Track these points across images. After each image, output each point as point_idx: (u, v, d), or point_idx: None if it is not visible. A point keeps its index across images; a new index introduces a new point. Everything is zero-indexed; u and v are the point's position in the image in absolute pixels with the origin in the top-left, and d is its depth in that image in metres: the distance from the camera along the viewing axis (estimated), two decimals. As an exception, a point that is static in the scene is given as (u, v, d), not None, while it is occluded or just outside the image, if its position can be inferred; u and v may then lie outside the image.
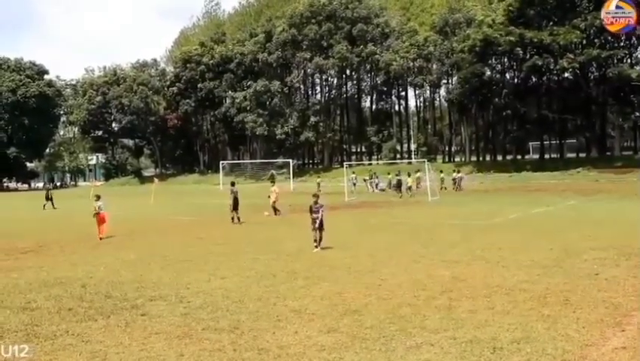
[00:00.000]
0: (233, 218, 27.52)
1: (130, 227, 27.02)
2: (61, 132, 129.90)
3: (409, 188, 45.41)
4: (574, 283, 11.78)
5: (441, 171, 54.49)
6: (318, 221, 17.51)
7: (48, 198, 43.98)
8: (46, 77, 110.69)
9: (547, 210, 29.25)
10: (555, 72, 73.18)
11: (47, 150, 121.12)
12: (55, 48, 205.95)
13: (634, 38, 70.22)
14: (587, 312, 9.60)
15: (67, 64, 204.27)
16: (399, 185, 45.80)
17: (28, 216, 37.98)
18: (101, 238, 21.88)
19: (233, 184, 29.74)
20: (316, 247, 17.40)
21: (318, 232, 17.54)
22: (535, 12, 69.61)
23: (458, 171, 54.90)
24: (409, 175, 47.42)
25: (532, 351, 7.71)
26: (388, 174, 49.19)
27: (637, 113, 75.62)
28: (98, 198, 23.18)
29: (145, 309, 10.77)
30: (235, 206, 27.67)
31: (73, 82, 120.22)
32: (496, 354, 7.68)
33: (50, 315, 10.51)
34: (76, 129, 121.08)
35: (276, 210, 30.42)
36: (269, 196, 31.20)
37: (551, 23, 68.99)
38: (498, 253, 15.78)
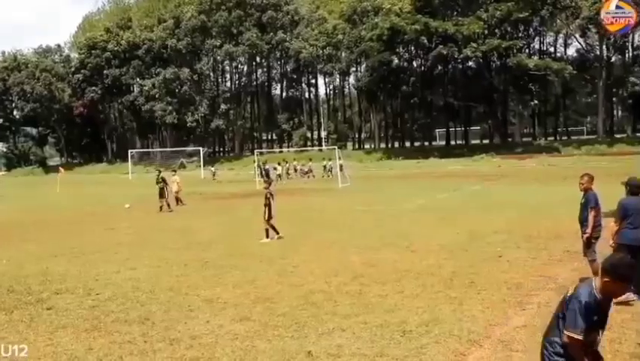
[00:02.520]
0: (161, 207, 27.53)
1: (35, 218, 26.10)
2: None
3: (279, 176, 47.09)
4: (478, 265, 12.22)
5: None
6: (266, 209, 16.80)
7: None
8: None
9: (454, 195, 30.03)
10: (459, 61, 75.37)
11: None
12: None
13: (531, 30, 73.27)
14: (490, 293, 10.00)
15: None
16: (267, 174, 46.70)
17: None
18: None
19: (160, 172, 29.81)
20: (267, 236, 16.76)
21: (264, 221, 16.86)
22: (440, 2, 71.37)
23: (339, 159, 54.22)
24: (279, 164, 49.98)
25: (440, 333, 7.98)
26: (280, 163, 50.28)
27: (535, 101, 78.95)
28: None
29: (51, 303, 10.48)
30: (162, 194, 27.80)
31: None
32: (405, 337, 7.90)
33: (-52, 313, 10.03)
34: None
35: (167, 199, 28.81)
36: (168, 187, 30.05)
37: (455, 13, 70.91)
38: (407, 238, 16.13)
